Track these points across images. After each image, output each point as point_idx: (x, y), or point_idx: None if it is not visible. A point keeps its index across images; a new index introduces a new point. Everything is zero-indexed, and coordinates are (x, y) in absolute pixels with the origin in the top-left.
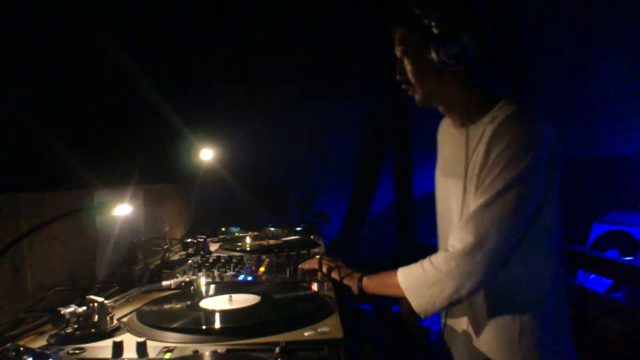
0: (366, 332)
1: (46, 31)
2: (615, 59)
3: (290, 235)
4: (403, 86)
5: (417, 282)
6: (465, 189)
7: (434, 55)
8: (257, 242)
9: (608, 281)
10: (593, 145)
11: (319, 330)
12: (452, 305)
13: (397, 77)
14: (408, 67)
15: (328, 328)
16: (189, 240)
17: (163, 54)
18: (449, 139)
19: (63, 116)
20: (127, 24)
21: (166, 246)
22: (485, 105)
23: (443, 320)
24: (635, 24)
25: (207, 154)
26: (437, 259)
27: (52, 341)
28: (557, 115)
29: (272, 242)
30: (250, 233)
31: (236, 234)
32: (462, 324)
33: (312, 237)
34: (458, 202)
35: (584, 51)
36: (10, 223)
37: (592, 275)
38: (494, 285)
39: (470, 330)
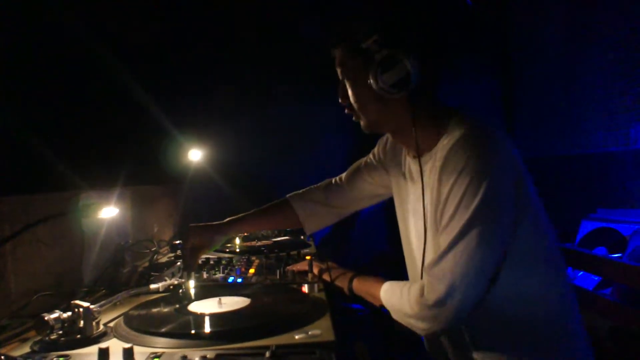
0: (358, 332)
1: (31, 30)
2: (604, 58)
3: (280, 236)
4: (346, 111)
5: (395, 308)
6: (425, 227)
7: (372, 82)
8: (246, 243)
9: (597, 278)
10: (581, 143)
11: (310, 333)
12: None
13: (340, 101)
14: (349, 92)
15: (319, 331)
16: (178, 241)
17: (151, 53)
18: (405, 167)
19: (47, 116)
20: (115, 25)
21: (154, 248)
22: (437, 127)
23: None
24: (624, 22)
25: (195, 155)
26: (414, 297)
27: (35, 348)
28: (546, 113)
29: (261, 242)
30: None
31: None
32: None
33: (302, 237)
34: (420, 242)
35: (572, 50)
36: None
37: (581, 272)
38: (484, 305)
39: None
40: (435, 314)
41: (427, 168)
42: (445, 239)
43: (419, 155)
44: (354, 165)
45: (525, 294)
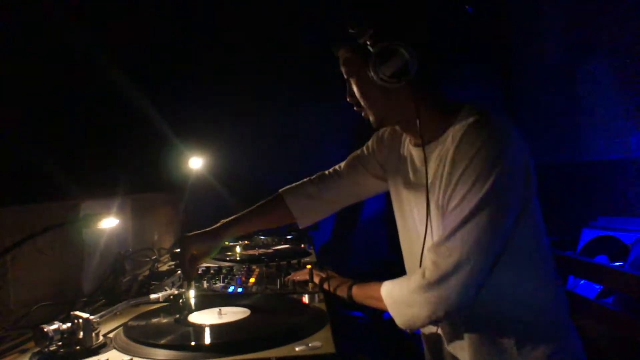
0: (358, 340)
1: (28, 37)
2: (604, 66)
3: (281, 244)
4: (355, 108)
5: (397, 301)
6: (428, 206)
7: (372, 74)
8: (247, 252)
9: (598, 287)
10: (582, 150)
11: (310, 345)
12: (434, 324)
13: (347, 99)
14: (354, 89)
15: (320, 343)
16: (178, 250)
17: (150, 60)
18: (407, 156)
19: (47, 125)
20: (114, 32)
21: (154, 257)
22: (444, 116)
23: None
24: (624, 29)
25: (196, 162)
26: (415, 282)
27: (35, 359)
28: (546, 121)
29: (262, 251)
30: (240, 242)
31: (226, 243)
32: (451, 338)
33: (302, 245)
34: (422, 221)
35: (572, 57)
36: None
37: (582, 281)
38: (480, 302)
39: (459, 345)
40: (438, 294)
41: (433, 155)
42: (453, 220)
43: (423, 144)
44: (350, 156)
45: (521, 293)
